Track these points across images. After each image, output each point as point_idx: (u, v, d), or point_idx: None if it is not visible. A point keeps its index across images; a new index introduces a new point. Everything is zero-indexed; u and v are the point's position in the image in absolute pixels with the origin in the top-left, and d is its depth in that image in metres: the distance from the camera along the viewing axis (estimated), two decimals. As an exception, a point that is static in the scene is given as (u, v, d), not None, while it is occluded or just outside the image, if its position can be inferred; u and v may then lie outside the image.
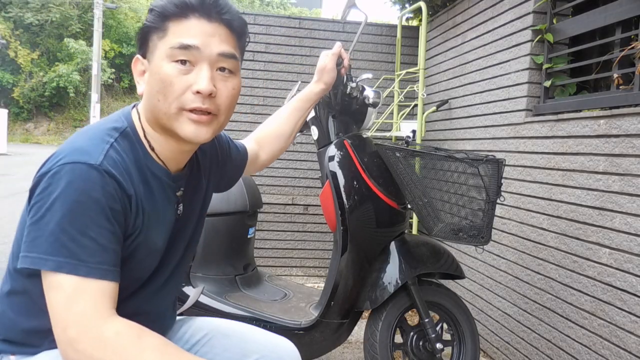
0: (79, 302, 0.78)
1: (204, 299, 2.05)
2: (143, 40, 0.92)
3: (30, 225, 0.81)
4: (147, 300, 1.00)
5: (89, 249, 0.80)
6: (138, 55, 0.95)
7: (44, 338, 0.90)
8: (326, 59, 1.45)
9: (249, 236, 2.32)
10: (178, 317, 1.20)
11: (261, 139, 1.40)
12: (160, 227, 0.96)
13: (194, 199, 1.08)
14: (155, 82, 0.89)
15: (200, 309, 1.99)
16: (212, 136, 0.94)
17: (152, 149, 0.95)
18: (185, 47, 0.88)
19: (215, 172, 1.18)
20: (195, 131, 0.91)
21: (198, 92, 0.89)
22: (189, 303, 1.88)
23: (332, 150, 1.84)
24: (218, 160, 1.19)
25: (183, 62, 0.88)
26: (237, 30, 0.95)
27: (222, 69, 0.92)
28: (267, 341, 1.17)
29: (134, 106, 1.00)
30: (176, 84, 0.88)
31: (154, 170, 0.94)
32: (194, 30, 0.89)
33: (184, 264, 1.10)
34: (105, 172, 0.83)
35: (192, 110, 0.90)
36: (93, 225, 0.80)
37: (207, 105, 0.90)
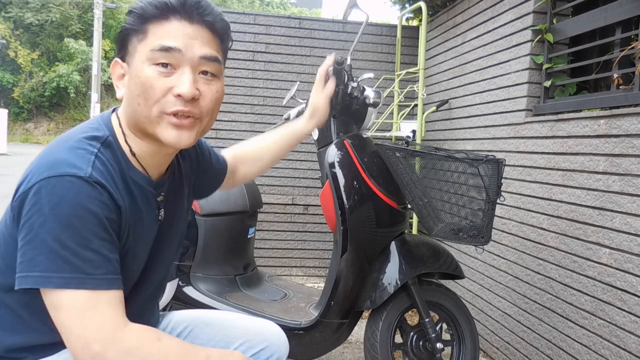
0: (93, 316, 0.77)
1: (205, 299, 2.05)
2: (122, 44, 0.90)
3: (25, 245, 0.78)
4: (136, 305, 0.98)
5: (93, 261, 0.78)
6: (117, 59, 0.92)
7: (28, 353, 0.88)
8: (319, 98, 1.38)
9: (249, 236, 2.32)
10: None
11: (239, 156, 1.35)
12: (143, 235, 0.94)
13: (175, 204, 1.06)
14: (135, 86, 0.87)
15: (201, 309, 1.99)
16: (195, 140, 0.92)
17: (133, 154, 0.92)
18: (166, 50, 0.85)
19: (197, 177, 1.17)
20: (177, 136, 0.88)
21: (179, 96, 0.86)
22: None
23: (332, 150, 1.84)
24: (199, 166, 1.17)
25: (164, 65, 0.86)
26: (220, 32, 0.92)
27: (204, 72, 0.90)
28: (251, 325, 1.16)
29: (114, 110, 0.97)
30: (157, 87, 0.85)
31: (137, 179, 0.92)
32: (175, 33, 0.86)
33: (170, 268, 1.09)
34: (96, 183, 0.80)
35: (173, 114, 0.87)
36: (93, 238, 0.78)
37: (190, 108, 0.88)
